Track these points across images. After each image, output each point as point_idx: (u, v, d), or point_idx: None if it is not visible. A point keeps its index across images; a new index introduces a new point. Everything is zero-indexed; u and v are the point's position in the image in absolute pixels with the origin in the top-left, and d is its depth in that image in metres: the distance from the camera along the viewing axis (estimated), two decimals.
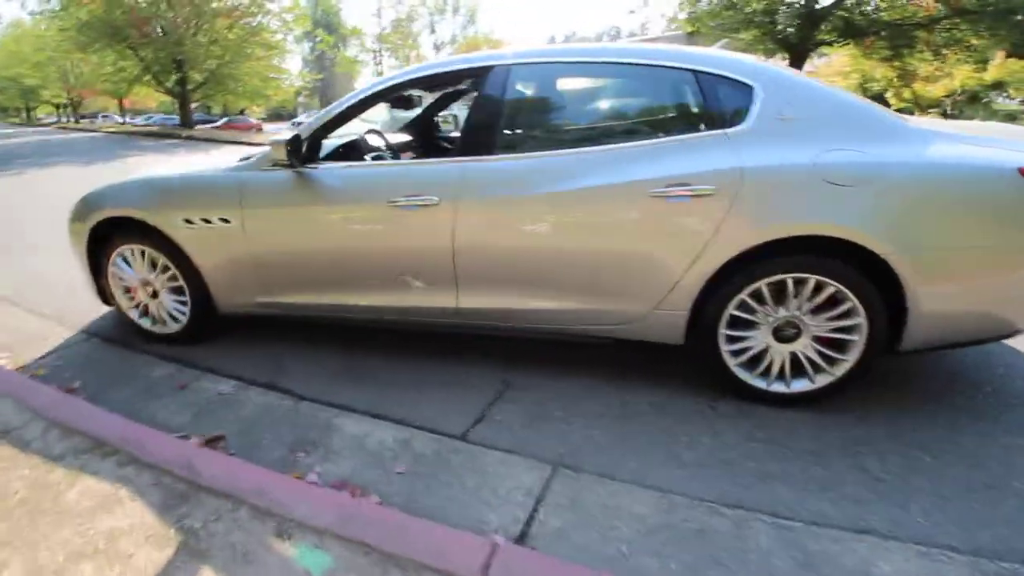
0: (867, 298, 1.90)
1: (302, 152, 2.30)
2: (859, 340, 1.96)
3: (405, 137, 3.27)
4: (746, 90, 1.96)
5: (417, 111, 3.56)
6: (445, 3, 40.53)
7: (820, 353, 2.03)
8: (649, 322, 2.12)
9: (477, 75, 2.21)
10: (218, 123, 29.68)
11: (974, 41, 13.12)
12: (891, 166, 1.83)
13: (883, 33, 13.13)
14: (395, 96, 2.38)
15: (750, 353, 2.08)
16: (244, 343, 2.80)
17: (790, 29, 14.11)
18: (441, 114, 3.71)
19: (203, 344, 2.78)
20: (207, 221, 2.46)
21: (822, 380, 2.06)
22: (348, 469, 1.84)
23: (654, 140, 2.01)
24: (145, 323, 2.80)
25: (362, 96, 2.32)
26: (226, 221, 2.44)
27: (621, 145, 2.03)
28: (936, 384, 2.32)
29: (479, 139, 2.16)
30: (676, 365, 2.45)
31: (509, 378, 2.41)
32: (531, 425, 2.08)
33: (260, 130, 28.32)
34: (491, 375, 2.44)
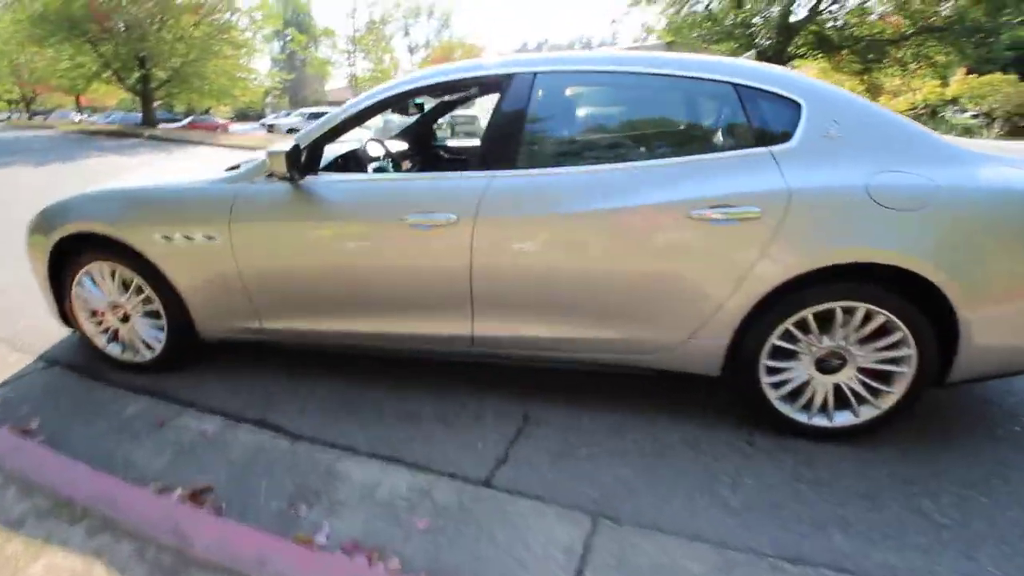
0: (918, 328, 1.79)
1: (301, 162, 2.07)
2: (908, 372, 1.85)
3: (402, 145, 3.05)
4: (792, 106, 1.83)
5: (412, 118, 3.36)
6: (419, 7, 40.11)
7: (865, 385, 1.91)
8: (684, 352, 1.97)
9: (501, 82, 2.02)
10: (182, 122, 28.60)
11: (940, 58, 13.70)
12: (947, 189, 1.72)
13: (856, 48, 13.57)
14: (406, 102, 2.17)
15: (791, 385, 1.95)
16: (228, 373, 2.54)
17: (767, 42, 14.45)
18: (439, 121, 3.50)
19: (181, 373, 2.51)
20: (189, 238, 2.20)
21: (867, 413, 1.94)
22: (359, 525, 1.63)
23: (694, 157, 1.87)
24: (114, 350, 2.51)
25: (370, 102, 2.10)
26: (211, 238, 2.18)
27: (658, 162, 1.88)
28: (969, 415, 2.24)
29: (502, 152, 1.98)
30: (704, 396, 2.30)
31: (528, 411, 2.23)
32: (559, 465, 1.90)
33: (227, 130, 27.40)
34: (508, 408, 2.25)
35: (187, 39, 21.79)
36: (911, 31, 13.55)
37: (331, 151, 2.44)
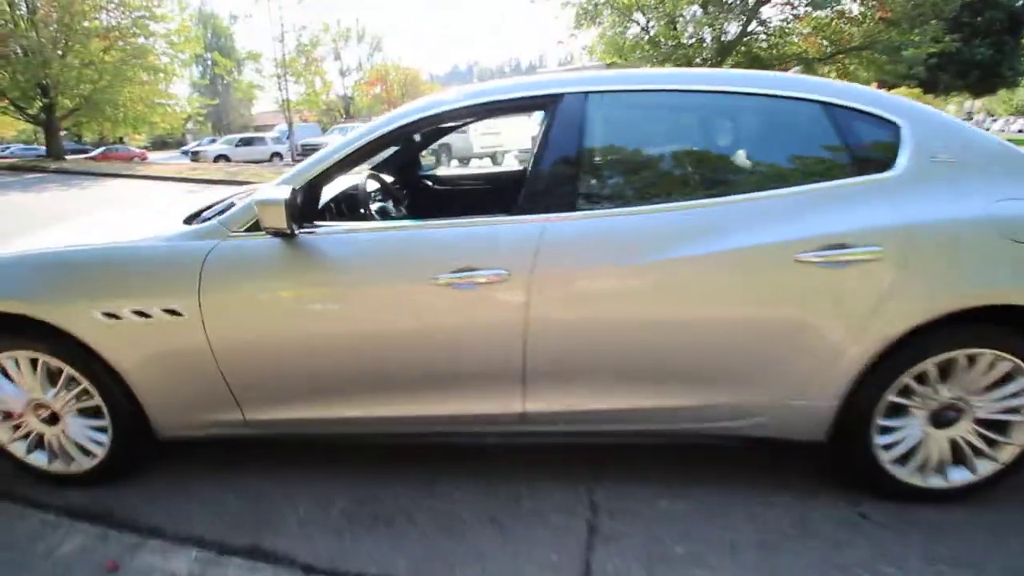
0: None
1: (298, 211, 1.62)
2: None
3: (396, 183, 2.61)
4: (891, 128, 1.59)
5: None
6: (349, 31, 39.25)
7: (983, 437, 1.68)
8: (786, 416, 1.66)
9: (549, 105, 1.67)
10: (93, 153, 26.33)
11: (862, 74, 14.82)
12: None
13: (786, 66, 14.38)
14: (427, 130, 1.77)
15: (906, 445, 1.68)
16: (192, 476, 1.99)
17: (704, 61, 15.07)
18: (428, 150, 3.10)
19: (132, 482, 1.94)
20: (143, 315, 1.68)
21: (984, 468, 1.70)
22: None
23: (792, 189, 1.58)
24: (38, 460, 1.91)
25: (382, 131, 1.68)
26: (174, 313, 1.67)
27: (752, 196, 1.58)
28: None
29: (556, 191, 1.62)
30: (779, 459, 1.99)
31: (593, 497, 1.84)
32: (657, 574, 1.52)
33: (145, 160, 25.49)
34: (568, 496, 1.85)
35: (97, 65, 19.98)
36: (832, 51, 14.59)
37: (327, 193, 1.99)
